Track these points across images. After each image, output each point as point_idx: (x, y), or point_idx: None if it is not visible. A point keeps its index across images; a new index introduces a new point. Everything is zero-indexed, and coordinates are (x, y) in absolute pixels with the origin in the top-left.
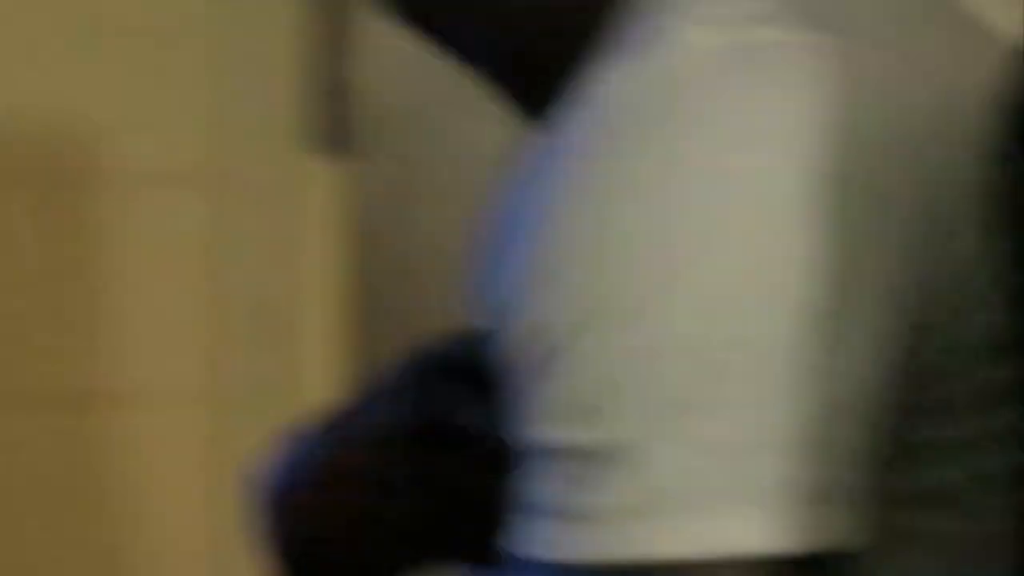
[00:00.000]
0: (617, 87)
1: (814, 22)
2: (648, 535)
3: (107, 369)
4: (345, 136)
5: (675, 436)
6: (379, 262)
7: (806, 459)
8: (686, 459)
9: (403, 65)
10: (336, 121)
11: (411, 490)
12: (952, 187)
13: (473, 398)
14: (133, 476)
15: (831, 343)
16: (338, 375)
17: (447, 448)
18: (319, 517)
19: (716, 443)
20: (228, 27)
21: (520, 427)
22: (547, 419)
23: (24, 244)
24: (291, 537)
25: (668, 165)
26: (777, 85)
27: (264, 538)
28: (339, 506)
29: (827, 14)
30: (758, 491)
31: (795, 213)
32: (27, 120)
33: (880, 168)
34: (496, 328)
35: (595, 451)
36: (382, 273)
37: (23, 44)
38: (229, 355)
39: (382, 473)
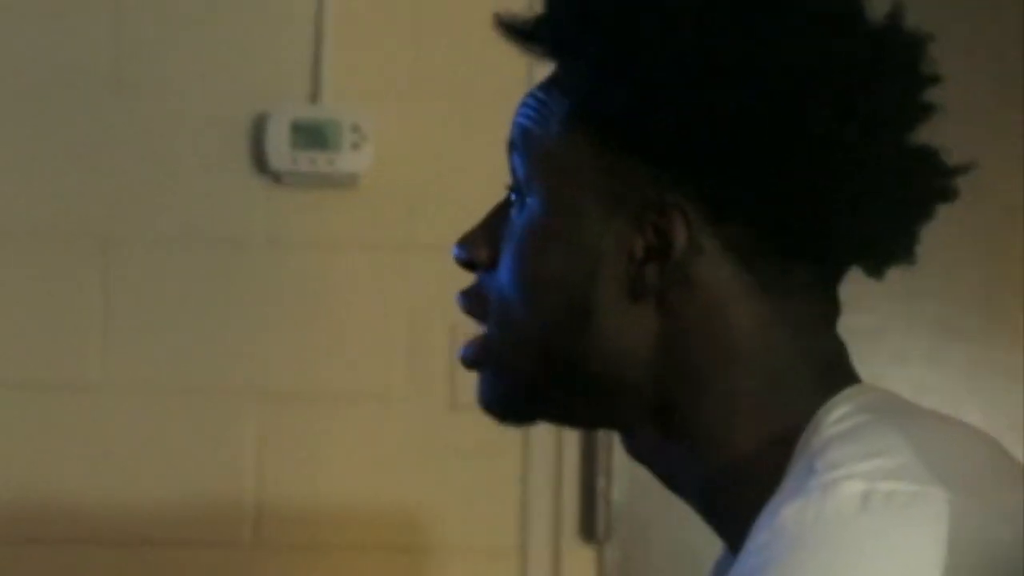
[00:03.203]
0: (786, 520)
1: (929, 476)
2: None
3: None
4: (596, 529)
5: None
6: None
7: None
8: None
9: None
10: (594, 516)
11: None
12: None
13: None
14: None
15: None
16: None
17: None
18: None
19: None
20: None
21: None
22: None
23: None
24: None
25: None
26: (901, 523)
27: None
28: None
29: (938, 469)
30: None
31: None
32: (380, 505)
33: None
34: None
35: None
36: None
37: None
38: None
39: None
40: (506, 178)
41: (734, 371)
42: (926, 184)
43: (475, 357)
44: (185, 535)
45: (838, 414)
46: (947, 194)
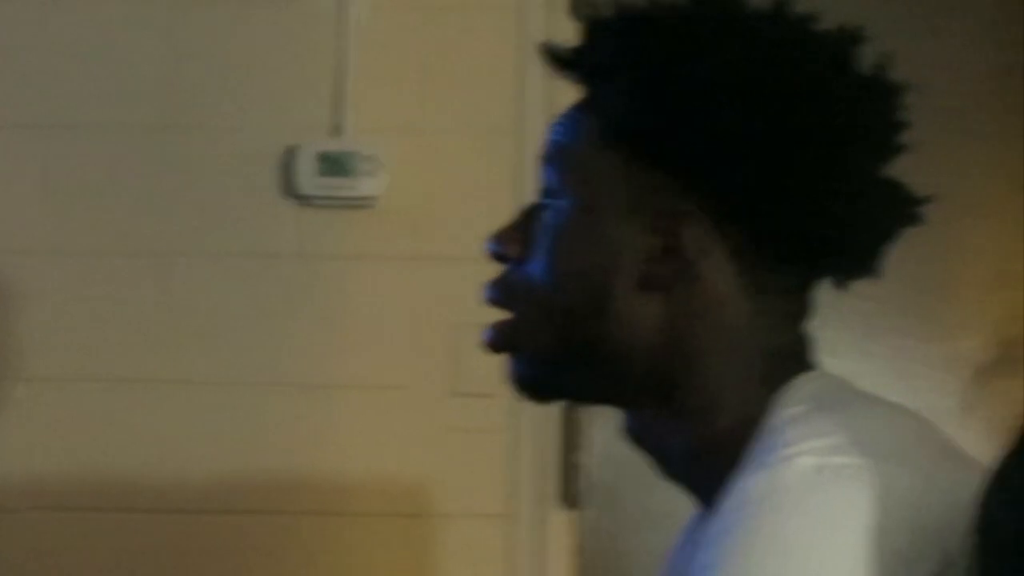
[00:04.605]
0: (751, 488)
1: (867, 451)
2: None
3: None
4: (577, 496)
5: None
6: None
7: None
8: None
9: (618, 446)
10: (573, 486)
11: None
12: (959, 559)
13: None
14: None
15: None
16: None
17: None
18: None
19: None
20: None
21: None
22: None
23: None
24: None
25: (776, 540)
26: (843, 491)
27: None
28: None
29: (876, 444)
30: None
31: (855, 568)
32: (391, 477)
33: (905, 551)
34: None
35: None
36: None
37: (391, 442)
38: None
39: None
40: (497, 203)
41: (723, 357)
42: (896, 211)
43: (504, 341)
44: (232, 503)
45: (788, 399)
46: (914, 220)
